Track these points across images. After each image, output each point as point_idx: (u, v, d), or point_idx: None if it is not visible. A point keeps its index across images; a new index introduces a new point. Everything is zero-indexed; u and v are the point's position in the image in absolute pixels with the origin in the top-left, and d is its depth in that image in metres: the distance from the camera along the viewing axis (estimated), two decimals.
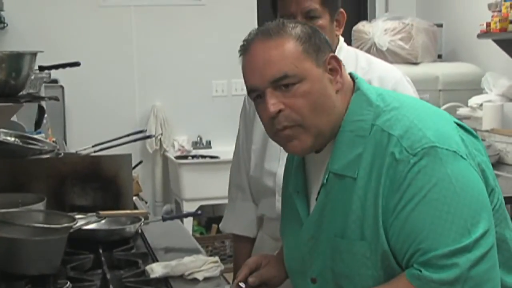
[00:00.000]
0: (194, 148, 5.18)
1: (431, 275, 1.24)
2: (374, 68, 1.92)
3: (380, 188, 1.33)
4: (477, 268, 1.25)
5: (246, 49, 1.41)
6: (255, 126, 2.23)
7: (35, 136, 2.82)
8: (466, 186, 1.29)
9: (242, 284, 1.65)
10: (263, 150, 2.21)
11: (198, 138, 5.21)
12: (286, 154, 2.03)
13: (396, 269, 1.31)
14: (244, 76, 1.42)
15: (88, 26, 4.79)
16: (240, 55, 1.43)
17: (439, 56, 4.84)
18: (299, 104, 1.38)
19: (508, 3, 3.98)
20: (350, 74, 1.44)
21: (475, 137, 1.42)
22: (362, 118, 1.38)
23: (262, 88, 1.38)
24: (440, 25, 4.91)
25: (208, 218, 4.97)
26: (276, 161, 2.17)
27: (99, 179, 2.64)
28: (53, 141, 3.25)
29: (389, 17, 4.57)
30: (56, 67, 2.28)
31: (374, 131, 1.36)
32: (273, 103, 1.37)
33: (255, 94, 1.40)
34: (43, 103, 2.63)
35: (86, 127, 4.65)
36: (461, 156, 1.31)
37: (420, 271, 1.25)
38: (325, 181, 1.42)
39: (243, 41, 1.42)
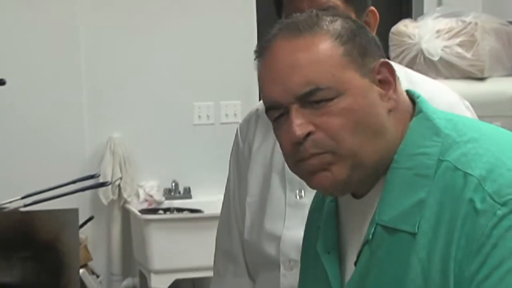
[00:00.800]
0: (167, 198, 5.32)
1: None
2: (417, 88, 1.94)
3: (452, 248, 1.36)
4: None
5: (265, 49, 1.47)
6: (252, 171, 2.30)
7: None
8: None
9: None
10: (263, 204, 2.25)
11: (173, 184, 5.36)
12: (295, 209, 2.16)
13: None
14: (261, 87, 1.48)
15: (16, 27, 4.88)
16: (256, 58, 1.50)
17: None
18: (335, 126, 1.44)
19: None
20: (408, 91, 1.51)
21: None
22: (426, 151, 1.44)
23: (286, 103, 1.44)
24: None
25: None
26: (281, 220, 2.22)
27: (32, 245, 2.66)
28: None
29: (442, 13, 4.66)
30: None
31: (444, 169, 1.41)
32: (300, 123, 1.43)
33: (277, 112, 1.47)
34: None
35: (14, 170, 4.77)
36: None
37: None
38: (370, 236, 1.47)
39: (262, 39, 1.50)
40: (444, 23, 4.53)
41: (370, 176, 1.49)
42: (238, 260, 2.37)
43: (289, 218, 2.26)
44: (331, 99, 1.43)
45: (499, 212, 1.34)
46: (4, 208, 2.88)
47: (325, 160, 1.46)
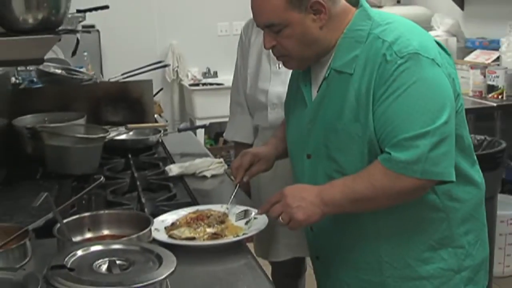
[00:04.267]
0: (204, 78, 6.86)
1: (399, 157, 1.73)
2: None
3: (372, 81, 1.77)
4: (436, 150, 1.73)
5: None
6: (250, 54, 2.78)
7: (78, 69, 3.92)
8: (438, 86, 1.77)
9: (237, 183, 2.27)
10: (257, 73, 2.73)
11: (207, 69, 6.94)
12: (276, 75, 2.66)
13: (375, 145, 1.82)
14: None
15: None
16: None
17: (398, 1, 6.40)
18: (285, 44, 1.88)
19: None
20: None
21: (448, 54, 1.93)
22: (361, 28, 1.84)
23: (262, 27, 1.89)
24: None
25: (216, 133, 6.85)
26: (268, 81, 2.71)
27: (127, 100, 3.42)
28: (93, 74, 4.24)
29: None
30: (90, 10, 3.04)
31: (371, 38, 1.82)
32: (268, 41, 1.90)
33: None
34: (79, 35, 3.26)
35: (118, 63, 5.75)
36: (437, 64, 1.78)
37: (390, 153, 1.75)
38: (327, 75, 1.86)
39: None
40: None
41: (312, 60, 1.94)
42: (243, 105, 2.89)
43: (273, 80, 2.72)
44: (281, 29, 1.83)
45: (399, 62, 1.74)
46: (112, 80, 3.76)
47: (286, 59, 1.94)
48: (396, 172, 1.74)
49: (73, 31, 2.39)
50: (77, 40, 3.30)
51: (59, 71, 3.68)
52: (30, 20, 2.06)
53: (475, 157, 2.07)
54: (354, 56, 1.85)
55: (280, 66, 2.57)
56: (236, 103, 2.94)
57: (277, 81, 2.70)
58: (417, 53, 1.77)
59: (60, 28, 2.20)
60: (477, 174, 2.04)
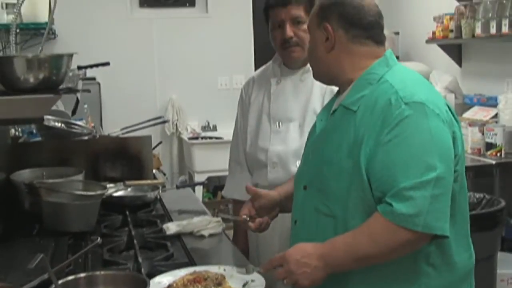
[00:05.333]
0: (203, 131, 6.93)
1: (400, 209, 1.74)
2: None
3: (371, 122, 1.82)
4: (436, 204, 1.76)
5: None
6: (250, 112, 2.77)
7: (77, 122, 3.68)
8: (440, 139, 1.80)
9: (247, 217, 2.28)
10: (257, 131, 2.73)
11: (206, 123, 7.03)
12: (276, 134, 2.67)
13: (365, 186, 1.84)
14: None
15: (119, 35, 6.61)
16: None
17: (397, 58, 4.89)
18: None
19: (448, 16, 5.75)
20: (387, 51, 2.02)
21: (456, 119, 1.97)
22: (377, 72, 1.93)
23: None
24: (397, 33, 6.60)
25: (214, 186, 6.91)
26: (268, 140, 2.69)
27: (126, 156, 3.37)
28: (92, 126, 4.28)
29: None
30: (91, 66, 2.94)
31: (382, 81, 1.89)
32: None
33: None
34: (79, 95, 2.95)
35: (118, 115, 6.20)
36: (442, 119, 1.83)
37: (391, 205, 1.75)
38: (335, 109, 1.97)
39: None
40: None
41: (320, 77, 2.08)
42: (242, 164, 2.86)
43: (273, 138, 2.71)
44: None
45: (403, 107, 1.79)
46: (111, 135, 3.59)
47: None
48: (396, 224, 1.75)
49: (74, 91, 2.41)
50: (77, 99, 3.31)
51: (59, 125, 3.59)
52: (31, 80, 2.08)
53: (468, 231, 2.05)
54: (362, 95, 1.91)
55: (281, 125, 2.66)
56: (235, 161, 2.92)
57: (277, 140, 2.69)
58: (423, 103, 1.81)
59: (61, 87, 2.23)
60: (460, 251, 2.00)
